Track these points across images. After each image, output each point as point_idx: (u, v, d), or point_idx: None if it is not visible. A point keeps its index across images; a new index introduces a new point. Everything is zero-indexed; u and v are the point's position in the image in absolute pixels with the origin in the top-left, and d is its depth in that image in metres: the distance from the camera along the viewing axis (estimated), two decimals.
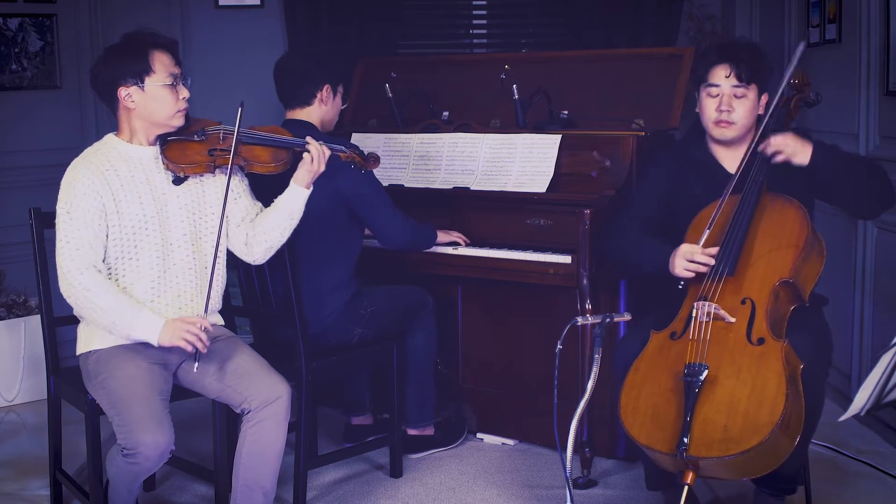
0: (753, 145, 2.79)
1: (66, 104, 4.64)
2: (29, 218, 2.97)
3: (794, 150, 2.74)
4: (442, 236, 3.49)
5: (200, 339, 2.66)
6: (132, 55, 2.73)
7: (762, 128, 2.81)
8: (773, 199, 2.77)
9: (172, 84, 2.75)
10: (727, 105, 2.85)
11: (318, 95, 3.30)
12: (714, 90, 2.86)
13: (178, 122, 2.80)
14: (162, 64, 2.75)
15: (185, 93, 2.79)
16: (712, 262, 2.71)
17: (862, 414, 2.09)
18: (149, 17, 4.91)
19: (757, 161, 2.79)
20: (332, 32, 4.97)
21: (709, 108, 2.88)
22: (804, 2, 4.33)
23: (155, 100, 2.75)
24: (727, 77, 2.84)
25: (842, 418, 2.14)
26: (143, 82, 2.73)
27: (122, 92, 2.74)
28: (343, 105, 3.43)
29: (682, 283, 2.76)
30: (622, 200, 3.26)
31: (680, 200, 2.95)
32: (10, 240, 4.39)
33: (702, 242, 2.72)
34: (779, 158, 2.75)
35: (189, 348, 2.66)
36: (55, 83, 4.64)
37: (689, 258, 2.73)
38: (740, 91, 2.84)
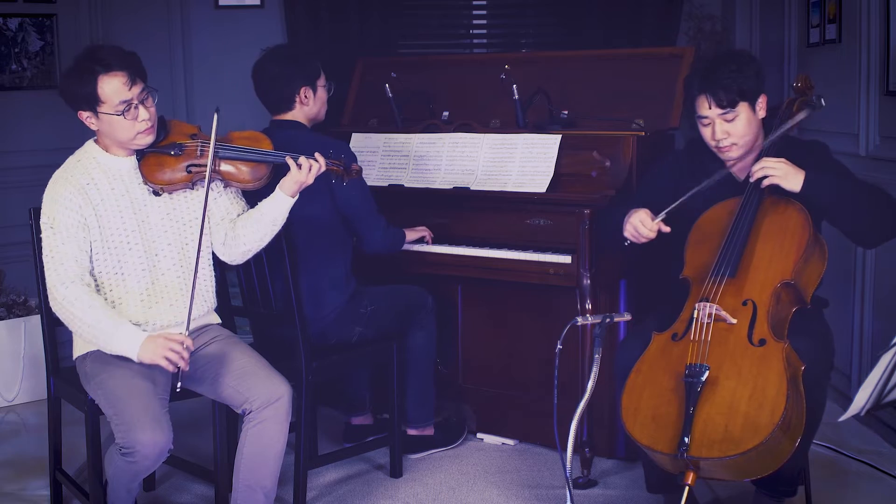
0: (769, 143, 2.81)
1: (66, 104, 4.63)
2: (29, 218, 2.96)
3: (783, 173, 2.69)
4: (410, 234, 3.50)
5: (183, 358, 2.60)
6: (79, 84, 2.67)
7: (767, 141, 2.81)
8: (775, 201, 2.77)
9: (125, 111, 2.68)
10: (721, 134, 2.81)
11: (297, 99, 3.29)
12: (705, 120, 2.84)
13: (143, 141, 2.75)
14: (112, 91, 2.66)
15: (144, 115, 2.70)
16: (649, 236, 2.81)
17: (862, 414, 2.09)
18: (149, 17, 4.92)
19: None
20: (332, 32, 4.97)
21: (706, 136, 2.86)
22: (804, 2, 4.33)
23: (111, 126, 2.71)
24: (710, 109, 2.80)
25: (842, 418, 2.14)
26: (95, 111, 2.69)
27: (82, 115, 2.72)
28: (329, 94, 3.39)
29: (627, 242, 2.86)
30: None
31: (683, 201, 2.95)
32: (10, 240, 4.39)
33: (657, 220, 2.81)
34: (766, 182, 2.71)
35: (171, 367, 2.62)
36: (55, 83, 4.63)
37: (634, 225, 2.83)
38: (729, 115, 2.79)
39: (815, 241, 2.70)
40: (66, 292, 2.65)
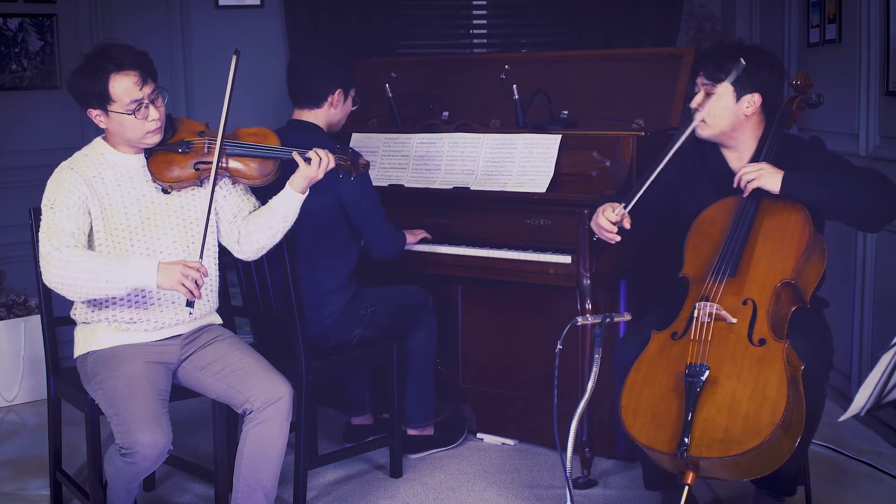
0: (771, 136, 2.82)
1: (66, 104, 4.58)
2: (29, 218, 2.96)
3: (760, 175, 2.72)
4: (409, 237, 3.51)
5: (198, 285, 2.61)
6: (91, 81, 2.67)
7: (771, 131, 2.82)
8: (776, 201, 2.77)
9: (135, 110, 2.69)
10: (696, 103, 2.87)
11: (329, 99, 3.30)
12: (696, 87, 2.90)
13: (151, 140, 2.76)
14: (123, 90, 2.67)
15: (154, 114, 2.72)
16: (609, 226, 2.82)
17: (862, 414, 2.09)
18: (149, 17, 4.92)
19: (760, 159, 2.79)
20: (332, 32, 4.97)
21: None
22: (804, 2, 4.33)
23: (120, 125, 2.71)
24: (700, 75, 2.88)
25: (842, 418, 2.14)
26: (105, 109, 2.70)
27: (92, 113, 2.73)
28: (354, 107, 3.43)
29: (595, 237, 2.91)
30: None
31: (683, 196, 2.96)
32: (10, 240, 4.39)
33: (618, 211, 2.83)
34: (750, 186, 2.73)
35: (188, 295, 2.62)
36: (55, 83, 4.64)
37: (597, 217, 2.86)
38: (710, 88, 2.84)
39: (815, 240, 2.70)
40: (60, 256, 2.60)
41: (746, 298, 2.65)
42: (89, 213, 2.71)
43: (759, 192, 2.75)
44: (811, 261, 2.71)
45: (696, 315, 2.65)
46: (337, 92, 3.31)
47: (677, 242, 2.84)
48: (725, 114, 2.85)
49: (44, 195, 2.73)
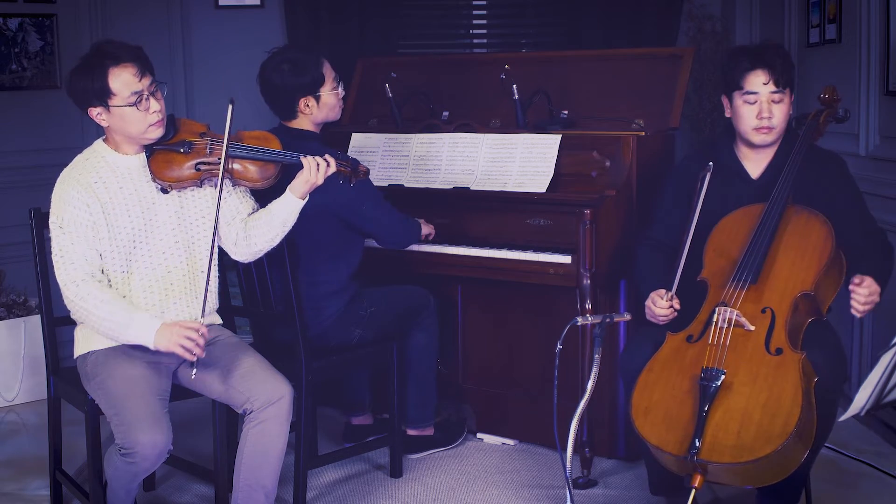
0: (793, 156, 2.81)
1: (66, 104, 4.59)
2: (29, 218, 2.97)
3: (874, 302, 2.63)
4: (424, 228, 3.50)
5: (199, 346, 2.63)
6: (90, 77, 2.68)
7: (797, 144, 2.83)
8: (799, 211, 2.76)
9: (136, 102, 2.69)
10: (768, 112, 2.82)
11: (298, 109, 3.23)
12: (752, 97, 2.83)
13: (154, 134, 2.76)
14: (122, 83, 2.68)
15: (155, 106, 2.72)
16: (666, 313, 2.75)
17: (862, 414, 2.09)
18: (149, 17, 4.92)
19: (785, 171, 2.78)
20: (332, 32, 4.97)
21: (748, 116, 2.85)
22: (804, 2, 4.33)
23: (122, 119, 2.71)
24: (765, 84, 2.81)
25: (842, 418, 2.14)
26: (107, 104, 2.70)
27: (93, 112, 2.73)
28: (335, 90, 3.28)
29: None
30: (630, 203, 3.30)
31: (695, 198, 2.94)
32: (10, 240, 4.39)
33: (667, 297, 2.76)
34: (866, 311, 2.64)
35: (187, 355, 2.64)
36: (55, 83, 4.64)
37: (651, 309, 2.79)
38: (778, 97, 2.82)
39: (836, 254, 2.70)
40: (77, 290, 2.66)
41: (765, 307, 2.64)
42: (95, 225, 2.71)
43: (786, 200, 2.75)
44: (831, 274, 2.70)
45: (715, 319, 2.64)
46: (302, 101, 3.21)
47: (695, 244, 2.81)
48: (786, 118, 2.86)
49: (51, 210, 2.74)
